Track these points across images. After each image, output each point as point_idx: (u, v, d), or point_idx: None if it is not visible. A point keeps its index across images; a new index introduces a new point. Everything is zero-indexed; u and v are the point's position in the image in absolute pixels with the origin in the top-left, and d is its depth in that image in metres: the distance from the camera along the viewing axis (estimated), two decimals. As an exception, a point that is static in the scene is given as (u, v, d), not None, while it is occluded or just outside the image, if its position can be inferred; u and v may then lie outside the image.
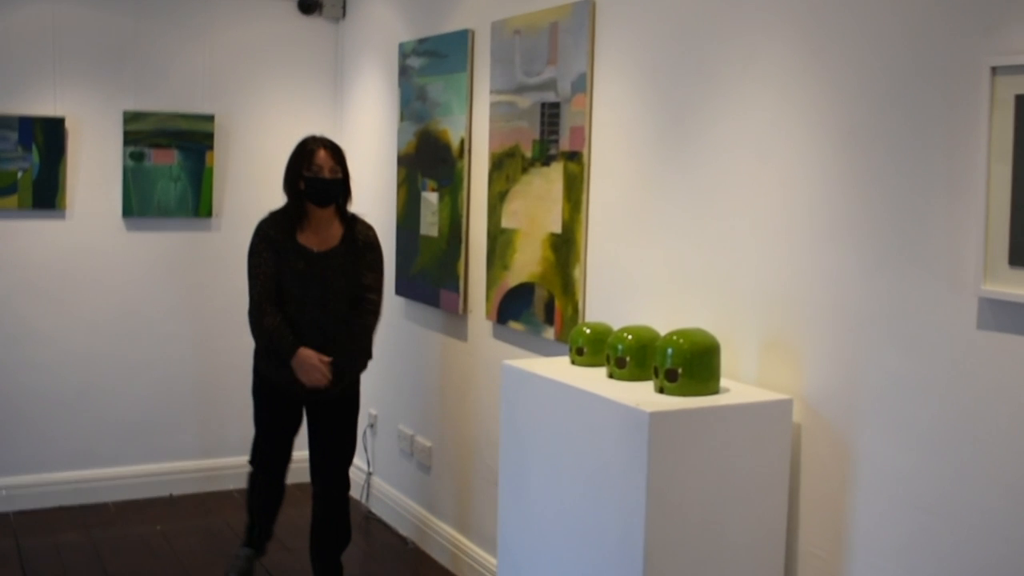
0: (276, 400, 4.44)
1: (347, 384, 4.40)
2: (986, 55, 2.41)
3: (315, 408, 4.47)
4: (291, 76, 6.08)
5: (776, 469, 2.93)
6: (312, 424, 4.53)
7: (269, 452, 4.56)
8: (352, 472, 5.94)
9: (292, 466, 4.69)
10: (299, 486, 5.98)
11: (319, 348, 4.26)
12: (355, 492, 5.86)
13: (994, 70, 2.38)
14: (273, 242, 4.29)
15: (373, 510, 5.72)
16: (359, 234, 4.41)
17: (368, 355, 4.47)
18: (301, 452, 4.67)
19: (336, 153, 4.34)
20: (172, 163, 5.73)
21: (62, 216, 5.61)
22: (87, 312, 5.70)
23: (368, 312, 4.38)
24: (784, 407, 2.93)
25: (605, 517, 2.93)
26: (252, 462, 4.61)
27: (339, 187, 4.34)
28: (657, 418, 2.76)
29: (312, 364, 4.21)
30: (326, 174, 4.29)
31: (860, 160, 2.76)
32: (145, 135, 5.69)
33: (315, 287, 4.28)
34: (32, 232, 5.57)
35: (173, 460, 5.86)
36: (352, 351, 4.35)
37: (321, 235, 4.35)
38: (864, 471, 2.77)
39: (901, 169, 2.65)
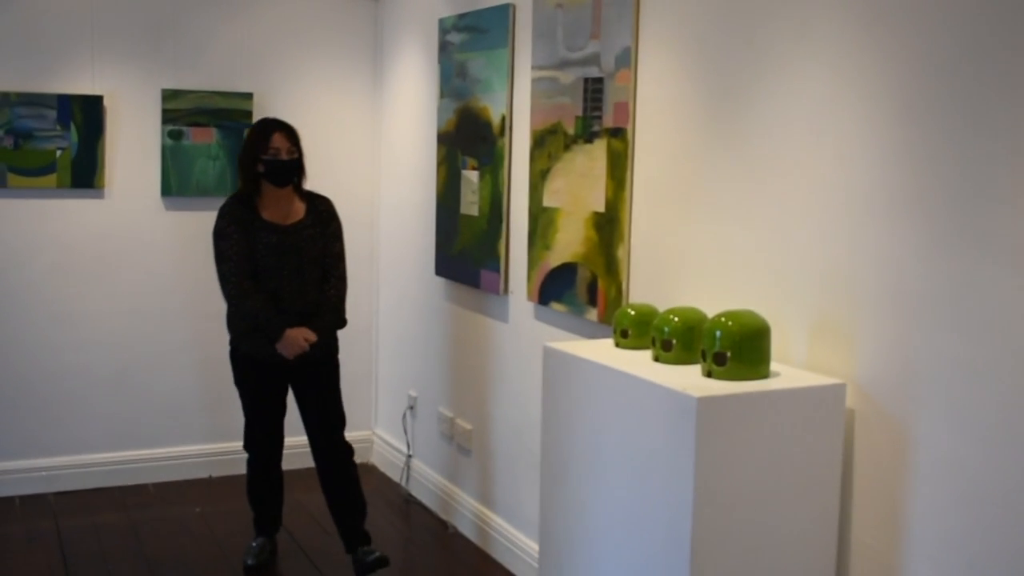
0: (261, 379, 4.55)
1: (325, 345, 4.55)
2: (1056, 23, 2.29)
3: (299, 376, 4.57)
4: (330, 53, 6.01)
5: (828, 457, 2.83)
6: (300, 397, 4.65)
7: (263, 434, 4.65)
8: (392, 454, 5.93)
9: (301, 450, 4.65)
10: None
11: (300, 315, 4.43)
12: (395, 475, 5.84)
13: (1064, 38, 2.26)
14: (242, 222, 4.43)
15: (413, 493, 5.66)
16: (321, 206, 4.60)
17: (344, 321, 4.64)
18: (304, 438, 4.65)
19: (291, 135, 4.49)
20: (211, 142, 5.68)
21: (101, 195, 5.58)
22: (126, 292, 5.68)
23: (340, 280, 4.58)
24: (837, 392, 2.83)
25: (650, 505, 2.84)
26: (247, 447, 4.71)
27: (296, 167, 4.49)
28: (705, 403, 2.66)
29: (298, 343, 4.38)
30: (283, 156, 4.44)
31: (918, 135, 2.64)
32: (184, 113, 5.65)
33: (291, 257, 4.45)
34: (71, 211, 5.55)
35: (213, 441, 5.84)
36: (332, 321, 4.54)
37: (284, 211, 4.51)
38: (921, 460, 2.66)
39: (962, 145, 2.53)
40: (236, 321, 4.50)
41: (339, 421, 4.68)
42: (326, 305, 4.51)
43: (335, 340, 4.63)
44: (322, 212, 4.57)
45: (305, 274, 4.47)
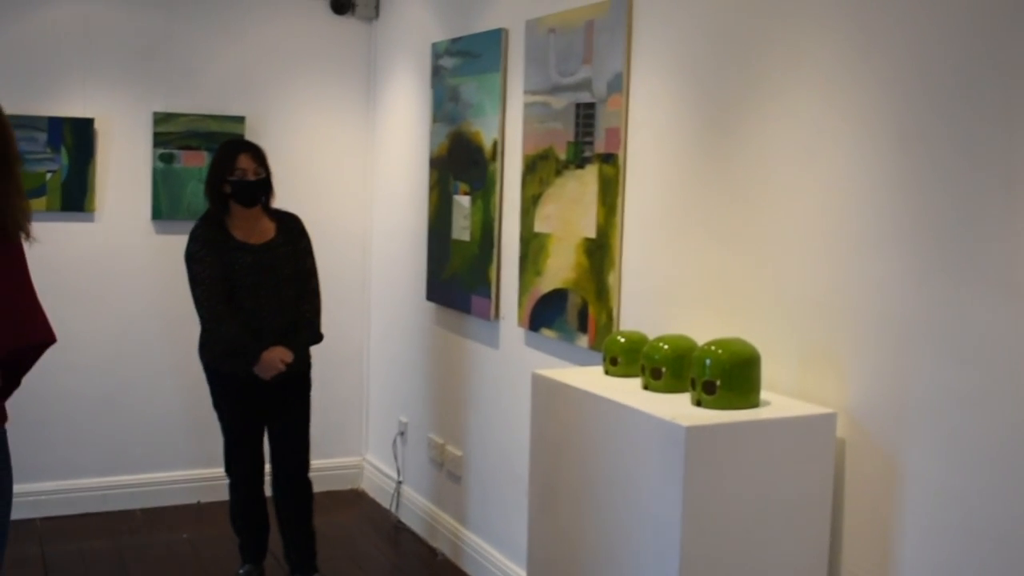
0: (240, 398, 4.54)
1: (300, 361, 4.56)
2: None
3: (273, 399, 4.56)
4: (323, 77, 6.00)
5: (819, 486, 2.80)
6: (270, 425, 4.65)
7: (243, 455, 4.63)
8: (382, 480, 5.88)
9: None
10: (328, 493, 5.91)
11: (277, 333, 4.44)
12: (385, 501, 5.79)
13: (1056, 67, 2.25)
14: (214, 243, 4.43)
15: (403, 520, 5.62)
16: (291, 224, 4.62)
17: (320, 336, 4.65)
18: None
19: (257, 155, 4.50)
20: (202, 165, 5.65)
21: (91, 218, 5.56)
22: (116, 315, 5.64)
23: (314, 295, 4.62)
24: (827, 421, 2.80)
25: (639, 534, 2.81)
26: (228, 471, 4.69)
27: (263, 187, 4.51)
28: (694, 432, 2.63)
29: (274, 365, 4.40)
30: (250, 176, 4.45)
31: (910, 164, 2.62)
32: (175, 137, 5.63)
33: (266, 276, 4.47)
34: (61, 234, 5.51)
35: (201, 467, 5.79)
36: (307, 337, 4.58)
37: (255, 231, 4.53)
38: (912, 490, 2.63)
39: (954, 173, 2.51)
40: (212, 344, 4.49)
41: (304, 460, 4.68)
42: (302, 321, 4.53)
43: (308, 357, 4.63)
44: (292, 230, 4.60)
45: (282, 292, 4.49)
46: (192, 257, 4.44)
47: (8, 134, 2.85)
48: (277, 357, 4.41)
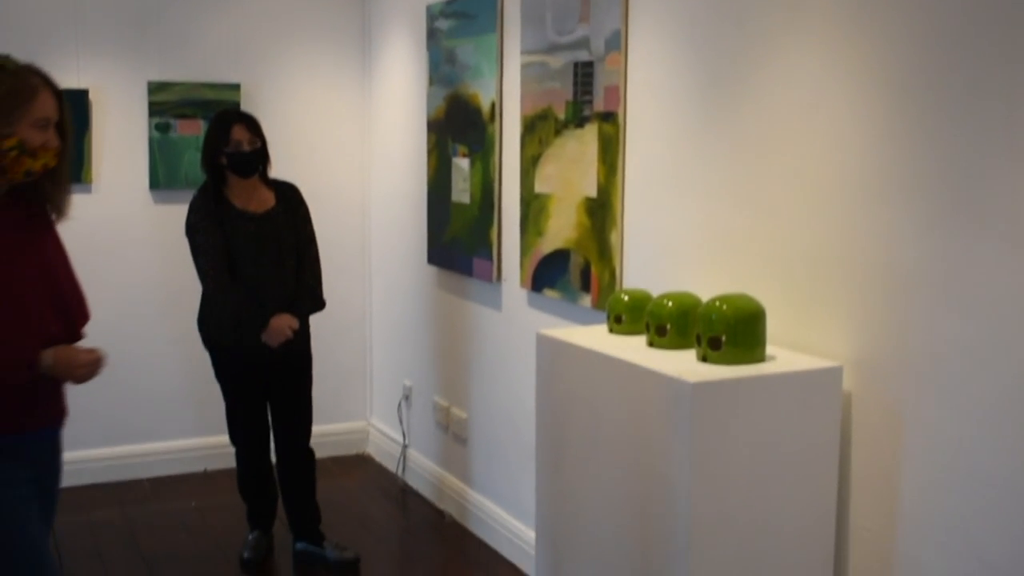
0: (243, 369, 4.55)
1: (303, 332, 4.57)
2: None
3: (275, 370, 4.57)
4: (318, 42, 5.96)
5: (826, 440, 2.80)
6: (272, 396, 4.65)
7: (247, 425, 4.65)
8: (388, 444, 5.90)
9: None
10: (334, 459, 5.93)
11: (280, 302, 4.45)
12: (391, 465, 5.81)
13: (1059, 13, 2.23)
14: (214, 214, 4.42)
15: (409, 483, 5.64)
16: (289, 193, 4.61)
17: (323, 303, 4.68)
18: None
19: (252, 125, 4.48)
20: (199, 134, 5.62)
21: (88, 190, 5.53)
22: (116, 286, 5.63)
23: (315, 262, 4.63)
24: (834, 375, 2.80)
25: (646, 491, 2.82)
26: (233, 440, 4.71)
27: (259, 156, 4.48)
28: (701, 388, 2.63)
29: (283, 331, 4.40)
30: (245, 147, 4.43)
31: (913, 115, 2.61)
32: (171, 106, 5.60)
33: (268, 245, 4.46)
34: (59, 206, 5.49)
35: (207, 435, 5.80)
36: (311, 304, 4.60)
37: (254, 200, 4.52)
38: (919, 442, 2.64)
39: (957, 124, 2.50)
40: (216, 314, 4.48)
41: (306, 430, 4.70)
42: (303, 289, 4.54)
43: (308, 331, 4.63)
44: (291, 198, 4.59)
45: (283, 261, 4.49)
46: (193, 228, 4.43)
47: (70, 114, 2.82)
48: (285, 324, 4.42)
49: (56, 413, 2.90)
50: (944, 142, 2.53)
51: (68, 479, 5.48)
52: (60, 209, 2.85)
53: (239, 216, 4.44)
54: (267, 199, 4.53)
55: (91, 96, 5.46)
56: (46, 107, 2.71)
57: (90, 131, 5.47)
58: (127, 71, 5.56)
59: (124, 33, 5.55)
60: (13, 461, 2.75)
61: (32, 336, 2.72)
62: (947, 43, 2.51)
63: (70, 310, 2.86)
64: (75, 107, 5.37)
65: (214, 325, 4.51)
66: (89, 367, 2.85)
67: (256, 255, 4.43)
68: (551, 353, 3.25)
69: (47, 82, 2.74)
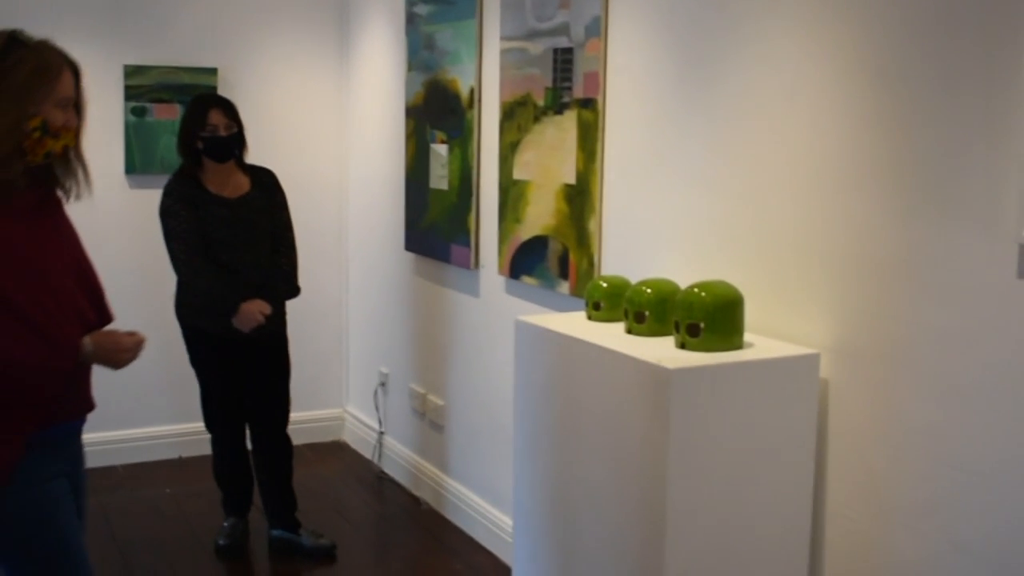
0: (217, 355, 4.52)
1: (278, 316, 4.55)
2: (1029, -14, 2.27)
3: (251, 355, 4.55)
4: (296, 27, 5.92)
5: (803, 427, 2.81)
6: (248, 382, 4.62)
7: (222, 411, 4.63)
8: (364, 431, 5.89)
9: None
10: (310, 446, 5.91)
11: (254, 287, 4.42)
12: (367, 452, 5.80)
13: (1038, 1, 2.24)
14: (188, 198, 4.40)
15: (385, 470, 5.63)
16: (265, 178, 4.59)
17: (297, 289, 4.63)
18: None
19: (229, 109, 4.46)
20: (175, 118, 5.57)
21: (63, 174, 5.48)
22: (91, 272, 5.58)
23: (291, 249, 4.59)
24: (811, 362, 2.81)
25: (625, 477, 2.82)
26: (208, 427, 4.70)
27: (236, 141, 4.46)
28: (679, 375, 2.64)
29: (254, 317, 4.38)
30: (222, 132, 4.40)
31: (891, 102, 2.62)
32: (147, 90, 5.56)
33: (242, 230, 4.44)
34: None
35: (182, 421, 5.76)
36: (285, 290, 4.56)
37: (230, 185, 4.50)
38: (895, 428, 2.65)
39: (935, 111, 2.51)
40: (189, 299, 4.46)
41: (283, 417, 4.68)
42: (278, 275, 4.52)
43: (283, 315, 4.61)
44: (267, 183, 4.57)
45: (258, 246, 4.47)
46: (166, 212, 4.40)
47: (85, 94, 2.74)
48: (256, 309, 4.39)
49: (85, 404, 2.80)
50: (922, 130, 2.54)
51: (41, 465, 5.50)
52: (72, 192, 2.75)
53: (213, 201, 4.41)
54: (242, 184, 4.51)
55: (66, 79, 5.40)
56: (67, 86, 2.64)
57: (65, 115, 5.42)
58: (103, 54, 5.51)
59: (100, 16, 5.50)
60: (51, 455, 2.67)
61: (72, 324, 2.65)
62: (926, 31, 2.52)
63: (98, 295, 2.80)
64: (50, 90, 5.34)
65: (187, 310, 4.48)
66: (132, 351, 2.79)
67: (229, 240, 4.41)
68: (530, 340, 3.24)
69: (67, 60, 2.66)
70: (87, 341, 2.67)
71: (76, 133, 2.69)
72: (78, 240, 2.81)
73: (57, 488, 2.67)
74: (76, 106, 2.69)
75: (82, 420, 2.84)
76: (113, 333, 2.76)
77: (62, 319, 2.61)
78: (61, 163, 2.70)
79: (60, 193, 2.75)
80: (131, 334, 2.78)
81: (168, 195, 4.42)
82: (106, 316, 2.81)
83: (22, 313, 2.52)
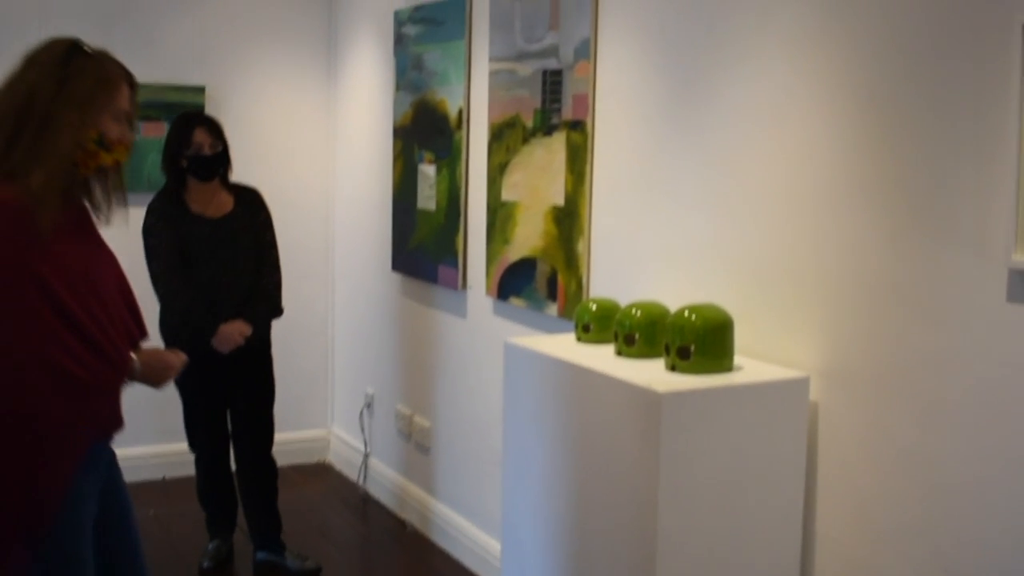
0: (200, 375, 4.41)
1: (259, 335, 4.51)
2: (1017, 11, 2.28)
3: (234, 374, 4.52)
4: (284, 46, 5.92)
5: (793, 450, 2.81)
6: (232, 402, 4.61)
7: (207, 432, 4.61)
8: (349, 452, 5.86)
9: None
10: (295, 467, 5.88)
11: (236, 306, 4.39)
12: (352, 474, 5.77)
13: (1027, 27, 2.25)
14: (171, 218, 4.38)
15: (371, 492, 5.60)
16: (249, 197, 4.57)
17: (280, 310, 4.59)
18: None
19: (213, 128, 4.45)
20: (162, 136, 5.53)
21: (49, 192, 5.45)
22: (76, 290, 5.55)
23: (274, 269, 4.56)
24: (801, 385, 2.81)
25: (615, 501, 2.81)
26: (192, 447, 4.67)
27: (220, 160, 4.45)
28: (670, 398, 2.63)
29: (232, 339, 4.36)
30: (206, 151, 4.40)
31: (881, 124, 2.62)
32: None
33: (224, 249, 4.41)
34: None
35: (166, 442, 5.71)
36: (266, 310, 4.51)
37: (213, 204, 4.47)
38: (885, 451, 2.64)
39: (925, 133, 2.51)
40: (169, 318, 4.42)
41: (267, 438, 4.64)
42: (261, 294, 4.48)
43: (268, 331, 4.58)
44: (250, 203, 4.55)
45: (240, 265, 4.44)
46: (148, 231, 4.38)
47: (137, 109, 2.71)
48: (236, 330, 4.37)
49: (119, 420, 2.71)
50: (911, 152, 2.54)
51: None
52: (103, 213, 2.67)
53: (195, 220, 4.39)
54: (226, 203, 4.49)
55: (52, 97, 5.38)
56: (125, 99, 2.60)
57: (51, 133, 5.39)
58: (89, 72, 5.48)
59: (88, 34, 5.39)
60: (92, 473, 2.61)
61: (123, 340, 2.61)
62: (915, 52, 2.53)
63: (138, 311, 2.75)
64: (36, 108, 5.31)
65: (170, 328, 4.46)
66: (176, 369, 2.78)
67: (210, 259, 4.39)
68: (519, 362, 3.23)
69: (125, 72, 2.63)
70: (135, 358, 2.64)
71: (128, 148, 2.63)
72: (115, 256, 2.74)
73: (88, 509, 2.61)
74: (129, 120, 2.63)
75: (111, 439, 2.76)
76: (158, 351, 2.75)
77: (115, 334, 2.57)
78: (101, 179, 2.64)
79: (93, 210, 2.68)
80: (176, 353, 2.78)
81: (150, 214, 4.40)
82: (144, 332, 2.78)
83: (81, 327, 2.47)
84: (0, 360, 2.40)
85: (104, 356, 2.52)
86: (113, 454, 2.76)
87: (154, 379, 2.74)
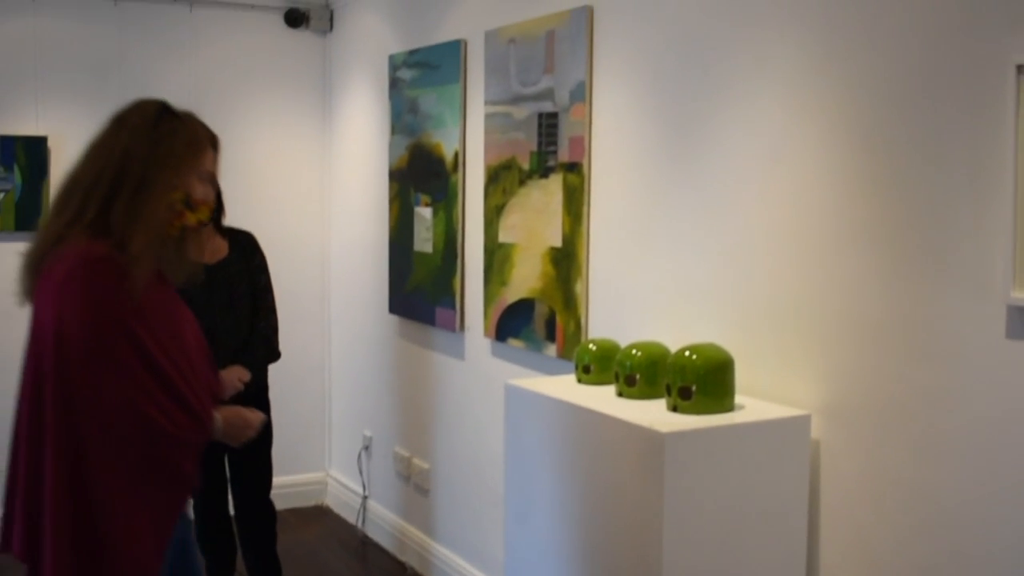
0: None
1: (256, 379, 4.39)
2: (1011, 52, 2.31)
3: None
4: (278, 90, 5.97)
5: (795, 488, 2.81)
6: (229, 449, 4.50)
7: (207, 475, 4.38)
8: (347, 495, 5.84)
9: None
10: (292, 510, 5.86)
11: (233, 351, 4.32)
12: (350, 517, 5.75)
13: (1020, 68, 2.28)
14: None
15: (369, 535, 5.58)
16: (243, 241, 4.54)
17: (278, 354, 4.56)
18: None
19: None
20: (158, 182, 5.59)
21: (45, 238, 5.46)
22: (72, 336, 5.55)
23: (270, 312, 4.53)
24: (802, 423, 2.82)
25: (618, 541, 2.81)
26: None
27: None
28: (673, 439, 2.63)
29: (232, 385, 3.93)
30: None
31: (877, 165, 2.65)
32: (130, 154, 5.56)
33: (220, 295, 4.38)
34: (15, 256, 5.38)
35: (163, 486, 5.71)
36: (264, 354, 4.47)
37: (208, 250, 4.43)
38: (887, 488, 2.65)
39: (921, 173, 2.54)
40: None
41: (266, 483, 4.62)
42: (257, 338, 4.47)
43: (265, 375, 4.57)
44: (245, 247, 4.53)
45: (236, 310, 4.42)
46: None
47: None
48: (235, 376, 4.33)
49: (198, 478, 2.73)
50: (908, 192, 2.57)
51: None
52: (182, 271, 2.68)
53: None
54: (220, 248, 4.48)
55: (50, 143, 5.42)
56: (210, 160, 2.64)
57: (48, 179, 5.42)
58: (86, 118, 5.47)
59: (83, 80, 5.52)
60: (180, 521, 2.64)
61: (207, 396, 2.63)
62: (910, 94, 2.56)
63: (215, 367, 2.78)
64: (34, 154, 5.35)
65: None
66: (255, 429, 2.80)
67: (207, 305, 4.33)
68: (520, 404, 3.24)
69: (210, 133, 2.67)
70: (216, 415, 2.66)
71: (211, 208, 2.67)
72: (192, 313, 2.76)
73: (164, 567, 2.62)
74: (212, 181, 2.67)
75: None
76: (239, 409, 2.76)
77: (199, 390, 2.59)
78: (178, 238, 2.64)
79: (167, 269, 2.69)
80: (253, 411, 2.79)
81: None
82: (220, 389, 2.80)
83: (169, 383, 2.49)
84: (123, 414, 2.44)
85: (191, 412, 2.54)
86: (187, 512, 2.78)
87: (233, 436, 2.76)
